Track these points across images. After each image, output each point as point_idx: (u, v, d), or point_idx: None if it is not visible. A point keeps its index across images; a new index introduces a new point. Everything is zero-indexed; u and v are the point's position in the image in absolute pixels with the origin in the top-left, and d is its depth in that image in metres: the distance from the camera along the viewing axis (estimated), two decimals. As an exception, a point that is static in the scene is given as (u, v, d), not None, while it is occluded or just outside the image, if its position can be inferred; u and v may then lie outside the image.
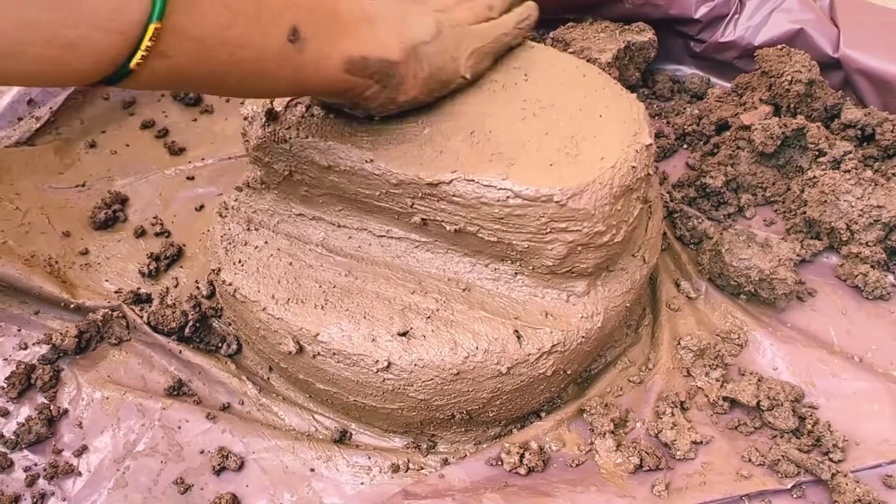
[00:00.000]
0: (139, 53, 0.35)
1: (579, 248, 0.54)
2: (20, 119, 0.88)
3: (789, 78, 0.81)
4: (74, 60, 0.34)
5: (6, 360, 0.67)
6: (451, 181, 0.52)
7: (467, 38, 0.57)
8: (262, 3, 0.42)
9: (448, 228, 0.55)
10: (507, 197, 0.51)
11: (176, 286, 0.73)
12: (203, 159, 0.85)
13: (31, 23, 0.32)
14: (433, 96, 0.56)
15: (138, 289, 0.72)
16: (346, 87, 0.50)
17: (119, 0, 0.34)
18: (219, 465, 0.59)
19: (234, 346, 0.67)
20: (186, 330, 0.66)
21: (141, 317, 0.68)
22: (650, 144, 0.56)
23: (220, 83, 0.44)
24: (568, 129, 0.55)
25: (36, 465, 0.61)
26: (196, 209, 0.80)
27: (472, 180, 0.52)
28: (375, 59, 0.49)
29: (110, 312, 0.68)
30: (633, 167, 0.54)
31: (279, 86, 0.48)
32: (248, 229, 0.63)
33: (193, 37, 0.38)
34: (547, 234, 0.53)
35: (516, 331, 0.55)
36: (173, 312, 0.67)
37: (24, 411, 0.63)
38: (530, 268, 0.56)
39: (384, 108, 0.54)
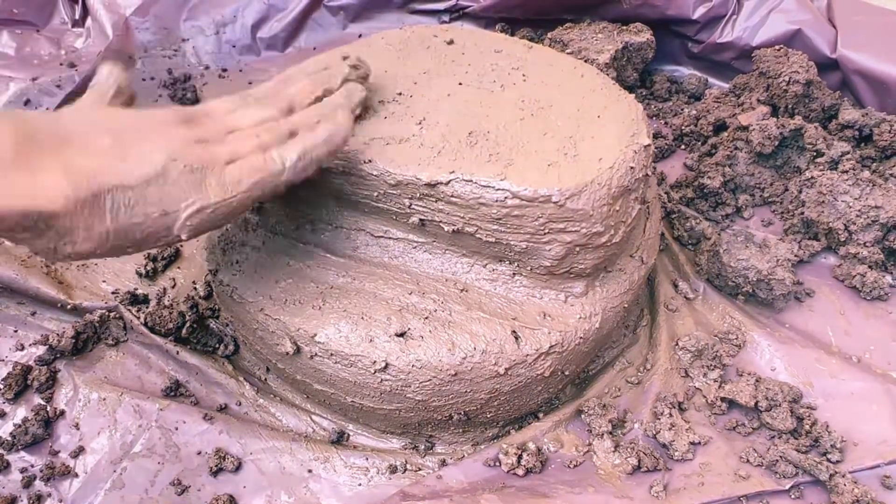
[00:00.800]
0: None
1: (577, 249, 0.53)
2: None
3: (787, 78, 0.81)
4: None
5: (2, 361, 0.66)
6: (449, 181, 0.52)
7: (204, 190, 0.44)
8: None
9: (446, 229, 0.54)
10: (506, 197, 0.51)
11: (173, 287, 0.73)
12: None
13: None
14: (125, 253, 0.45)
15: (135, 290, 0.72)
16: None
17: None
18: (216, 466, 0.59)
19: (231, 348, 0.67)
20: (183, 331, 0.66)
21: (138, 317, 0.67)
22: (648, 145, 0.56)
23: None
24: (566, 130, 0.55)
25: (32, 466, 0.60)
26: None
27: (471, 180, 0.51)
28: (16, 212, 0.38)
29: (107, 313, 0.68)
30: (632, 168, 0.54)
31: None
32: (246, 230, 0.63)
33: None
34: (545, 234, 0.53)
35: (514, 331, 0.55)
36: (170, 313, 0.67)
37: (21, 412, 0.63)
38: (528, 268, 0.55)
39: (46, 256, 0.43)
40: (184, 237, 0.45)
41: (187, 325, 0.66)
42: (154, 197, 0.42)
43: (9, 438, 0.61)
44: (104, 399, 0.63)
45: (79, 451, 0.61)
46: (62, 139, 0.41)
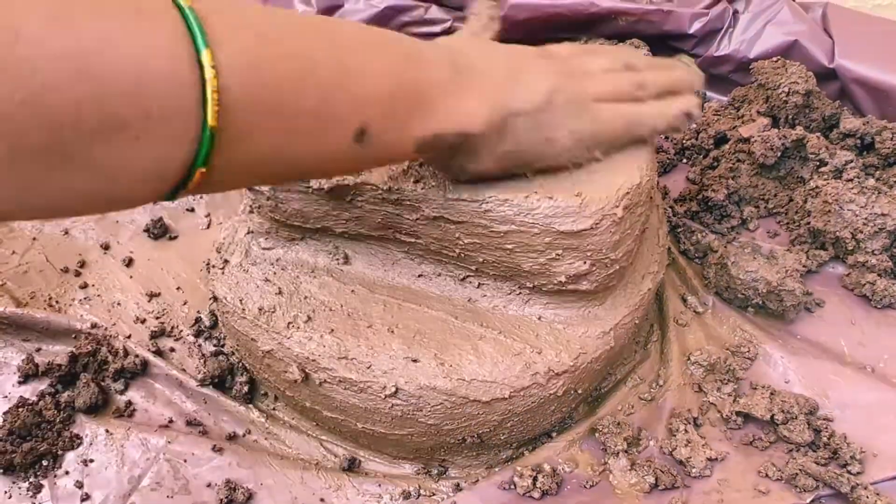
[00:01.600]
0: (181, 189, 0.34)
1: (587, 267, 0.53)
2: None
3: (786, 89, 0.81)
4: (115, 206, 0.34)
5: (6, 397, 0.66)
6: (455, 198, 0.51)
7: (581, 118, 0.48)
8: (326, 112, 0.37)
9: (457, 251, 0.54)
10: (515, 215, 0.51)
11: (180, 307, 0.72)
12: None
13: (71, 191, 0.30)
14: (508, 172, 0.50)
15: (143, 320, 0.71)
16: (411, 160, 0.47)
17: (158, 163, 0.31)
18: (226, 497, 0.58)
19: (246, 389, 0.66)
20: (207, 381, 0.65)
21: (156, 353, 0.67)
22: (653, 159, 0.55)
23: (273, 182, 0.47)
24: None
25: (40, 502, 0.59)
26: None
27: (477, 199, 0.51)
28: (451, 133, 0.44)
29: (112, 346, 0.67)
30: (639, 184, 0.53)
31: (336, 173, 0.47)
32: (248, 258, 0.62)
33: (243, 162, 0.35)
34: (554, 253, 0.52)
35: (526, 351, 0.54)
36: (196, 362, 0.67)
37: (26, 447, 0.62)
38: (539, 287, 0.55)
39: (452, 173, 0.50)
40: (562, 160, 0.50)
41: (215, 379, 0.65)
42: (543, 122, 0.47)
43: (14, 475, 0.60)
44: (111, 433, 0.63)
45: (86, 487, 0.60)
46: (472, 68, 0.45)
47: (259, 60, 0.33)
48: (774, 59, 0.86)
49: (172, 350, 0.69)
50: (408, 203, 0.53)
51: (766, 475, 0.58)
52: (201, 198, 0.83)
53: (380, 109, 0.39)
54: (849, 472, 0.57)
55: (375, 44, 0.41)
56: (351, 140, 0.38)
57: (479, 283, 0.57)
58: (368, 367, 0.54)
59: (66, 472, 0.61)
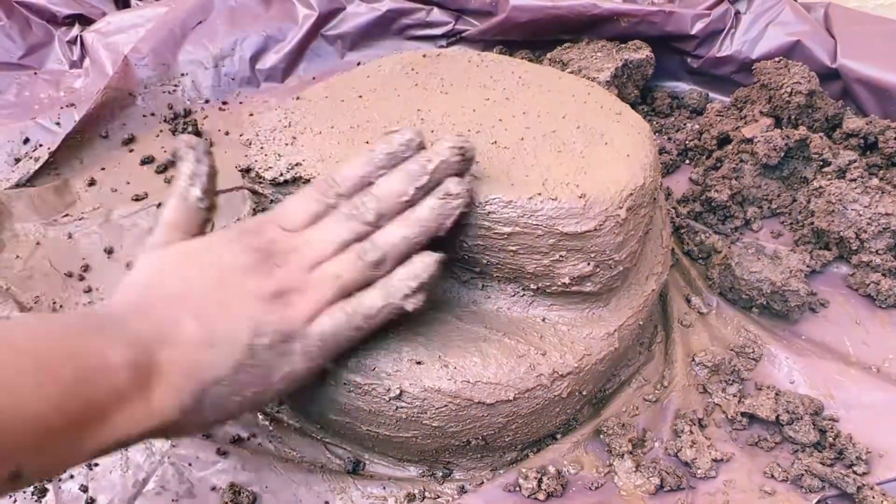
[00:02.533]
0: None
1: (591, 268, 0.53)
2: (18, 160, 0.88)
3: (789, 90, 0.81)
4: None
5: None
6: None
7: (290, 360, 0.45)
8: None
9: (461, 253, 0.54)
10: (519, 217, 0.51)
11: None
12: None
13: None
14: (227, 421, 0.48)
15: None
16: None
17: None
18: (231, 501, 0.58)
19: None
20: None
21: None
22: (657, 160, 0.55)
23: None
24: (578, 149, 0.55)
25: (44, 508, 0.59)
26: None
27: (480, 202, 0.51)
28: (138, 434, 0.40)
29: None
30: (643, 185, 0.53)
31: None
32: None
33: None
34: (558, 254, 0.52)
35: (530, 353, 0.54)
36: None
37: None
38: (543, 289, 0.55)
39: (164, 435, 0.45)
40: (263, 405, 0.47)
41: None
42: (246, 380, 0.43)
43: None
44: (115, 437, 0.62)
45: (90, 491, 0.60)
46: (156, 335, 0.41)
47: None
48: (777, 59, 0.86)
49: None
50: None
51: (772, 476, 0.58)
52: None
53: (37, 451, 0.35)
54: (855, 472, 0.57)
55: (36, 370, 0.36)
56: (2, 481, 0.34)
57: (484, 285, 0.57)
58: (373, 370, 0.54)
59: (71, 476, 0.61)
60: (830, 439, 0.59)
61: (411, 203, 0.47)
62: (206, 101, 1.01)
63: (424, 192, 0.47)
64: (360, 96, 0.62)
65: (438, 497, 0.59)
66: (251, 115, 0.99)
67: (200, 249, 0.47)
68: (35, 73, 1.03)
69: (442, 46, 1.07)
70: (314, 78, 1.05)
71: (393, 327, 0.56)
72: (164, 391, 0.40)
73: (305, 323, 0.45)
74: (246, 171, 0.59)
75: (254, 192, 0.60)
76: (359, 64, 1.05)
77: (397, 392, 0.53)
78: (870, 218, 0.69)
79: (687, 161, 0.88)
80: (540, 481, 0.57)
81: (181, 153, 0.51)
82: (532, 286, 0.55)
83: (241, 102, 1.02)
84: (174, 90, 1.01)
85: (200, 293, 0.44)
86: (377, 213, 0.47)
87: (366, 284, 0.47)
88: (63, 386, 0.36)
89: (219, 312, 0.43)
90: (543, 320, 0.57)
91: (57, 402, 0.35)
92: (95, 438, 0.38)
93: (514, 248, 0.52)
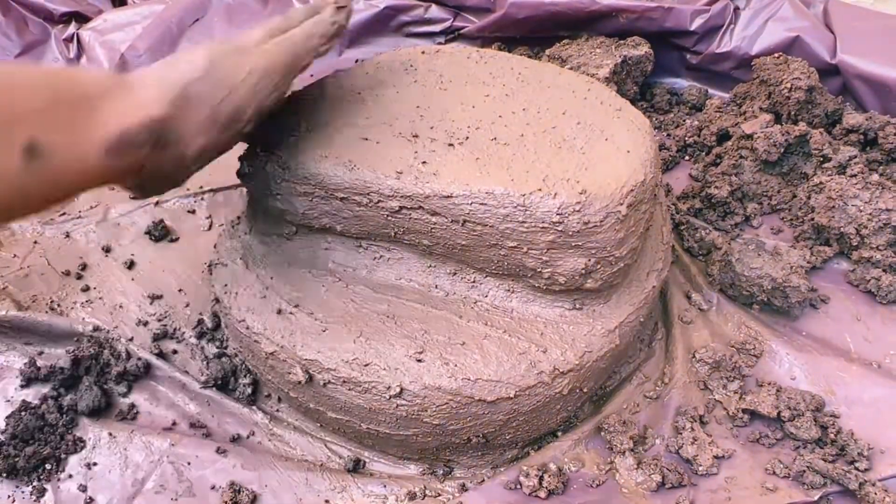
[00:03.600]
0: None
1: (592, 264, 0.53)
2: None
3: (789, 85, 0.81)
4: None
5: (9, 401, 0.65)
6: (458, 195, 0.51)
7: (247, 58, 0.51)
8: None
9: (460, 250, 0.54)
10: (519, 213, 0.50)
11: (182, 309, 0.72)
12: (201, 187, 0.84)
13: None
14: (229, 136, 0.50)
15: (145, 322, 0.70)
16: (118, 171, 0.43)
17: None
18: (231, 499, 0.58)
19: (250, 391, 0.65)
20: (211, 383, 0.65)
21: (159, 356, 0.67)
22: (657, 156, 0.55)
23: None
24: (578, 145, 0.55)
25: (43, 508, 0.59)
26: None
27: (478, 196, 0.51)
28: (137, 125, 0.43)
29: (114, 349, 0.67)
30: (643, 182, 0.53)
31: (27, 206, 0.39)
32: (252, 261, 0.62)
33: None
34: (559, 251, 0.52)
35: (531, 350, 0.54)
36: (199, 364, 0.67)
37: (29, 451, 0.62)
38: (543, 285, 0.55)
39: (177, 171, 0.49)
40: (266, 100, 0.51)
41: (215, 379, 0.65)
42: (216, 78, 0.48)
43: (18, 479, 0.60)
44: (114, 436, 0.62)
45: (90, 490, 0.59)
46: (122, 79, 0.45)
47: None
48: (776, 55, 0.86)
49: (175, 352, 0.69)
50: (409, 202, 0.53)
51: (774, 472, 0.57)
52: (202, 199, 0.83)
53: (41, 116, 0.38)
54: (856, 468, 0.57)
55: (23, 67, 0.42)
56: (21, 161, 0.36)
57: (483, 283, 0.57)
58: (373, 368, 0.54)
59: (70, 476, 0.60)
60: (832, 435, 0.59)
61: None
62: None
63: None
64: (359, 93, 0.62)
65: (439, 495, 0.59)
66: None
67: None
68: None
69: (440, 43, 1.06)
70: (312, 75, 1.04)
71: (393, 326, 0.55)
72: (144, 88, 0.45)
73: (254, 45, 0.52)
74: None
75: (249, 191, 0.60)
76: (357, 61, 1.04)
77: (397, 390, 0.53)
78: (870, 214, 0.69)
79: (686, 157, 0.88)
80: (541, 479, 0.57)
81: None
82: (532, 283, 0.55)
83: (238, 100, 1.01)
84: (171, 88, 1.00)
85: (182, 52, 0.51)
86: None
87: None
88: (54, 76, 0.41)
89: (184, 52, 0.50)
90: (544, 317, 0.56)
91: (50, 81, 0.40)
92: (93, 125, 0.41)
93: (513, 244, 0.52)
